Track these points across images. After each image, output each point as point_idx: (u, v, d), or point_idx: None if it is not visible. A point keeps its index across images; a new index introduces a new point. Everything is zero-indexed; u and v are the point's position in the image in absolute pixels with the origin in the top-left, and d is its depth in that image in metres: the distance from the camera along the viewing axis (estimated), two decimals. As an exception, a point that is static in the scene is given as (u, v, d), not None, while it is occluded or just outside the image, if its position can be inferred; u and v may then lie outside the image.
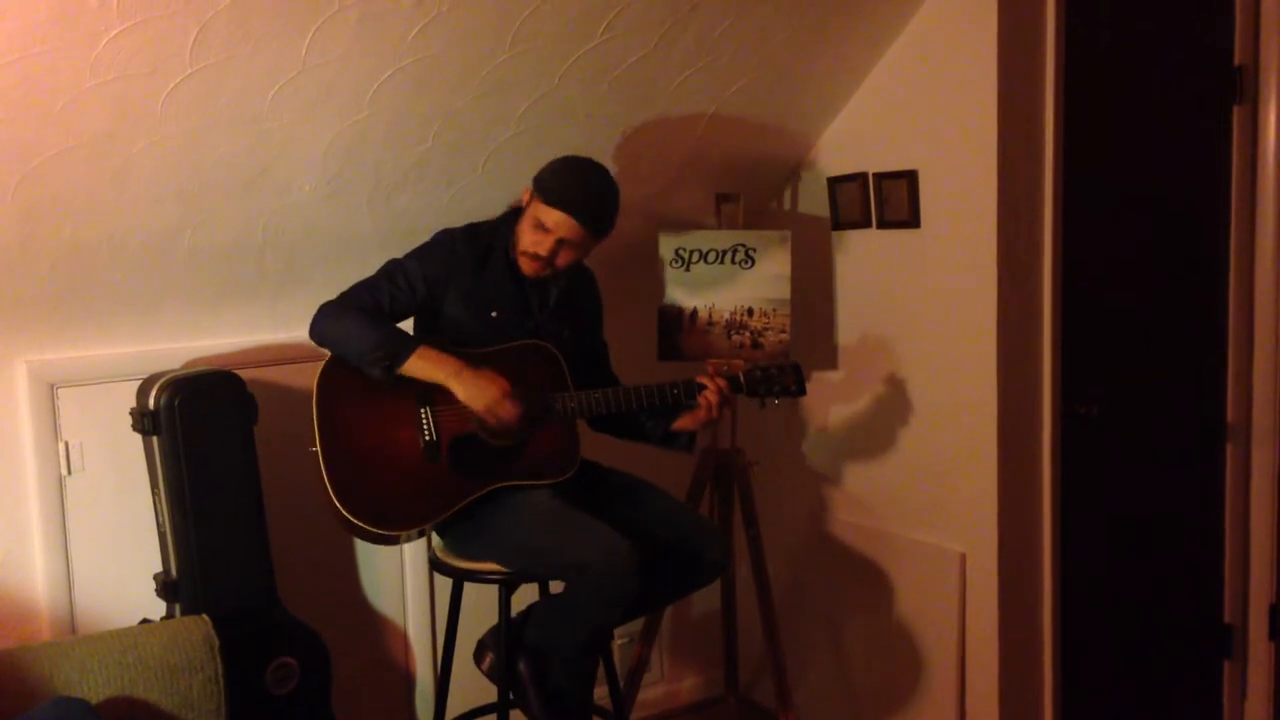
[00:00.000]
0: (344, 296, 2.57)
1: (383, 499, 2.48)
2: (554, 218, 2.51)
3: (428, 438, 2.51)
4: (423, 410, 2.52)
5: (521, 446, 2.57)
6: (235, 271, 2.75)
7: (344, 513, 2.43)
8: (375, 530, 2.48)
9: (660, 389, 2.63)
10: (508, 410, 2.48)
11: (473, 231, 2.64)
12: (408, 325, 2.68)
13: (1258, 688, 3.28)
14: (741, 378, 2.70)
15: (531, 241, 2.55)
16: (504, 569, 2.55)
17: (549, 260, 2.55)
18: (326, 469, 2.44)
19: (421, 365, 2.48)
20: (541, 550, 2.48)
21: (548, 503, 2.50)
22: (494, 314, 2.61)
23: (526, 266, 2.58)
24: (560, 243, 2.53)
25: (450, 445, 2.52)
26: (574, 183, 2.53)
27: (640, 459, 2.84)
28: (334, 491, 2.43)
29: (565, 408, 2.57)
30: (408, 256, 2.62)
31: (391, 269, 2.60)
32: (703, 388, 2.62)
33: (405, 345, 2.49)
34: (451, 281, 2.59)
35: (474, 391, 2.47)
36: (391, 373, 2.47)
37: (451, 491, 2.51)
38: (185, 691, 2.36)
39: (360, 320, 2.50)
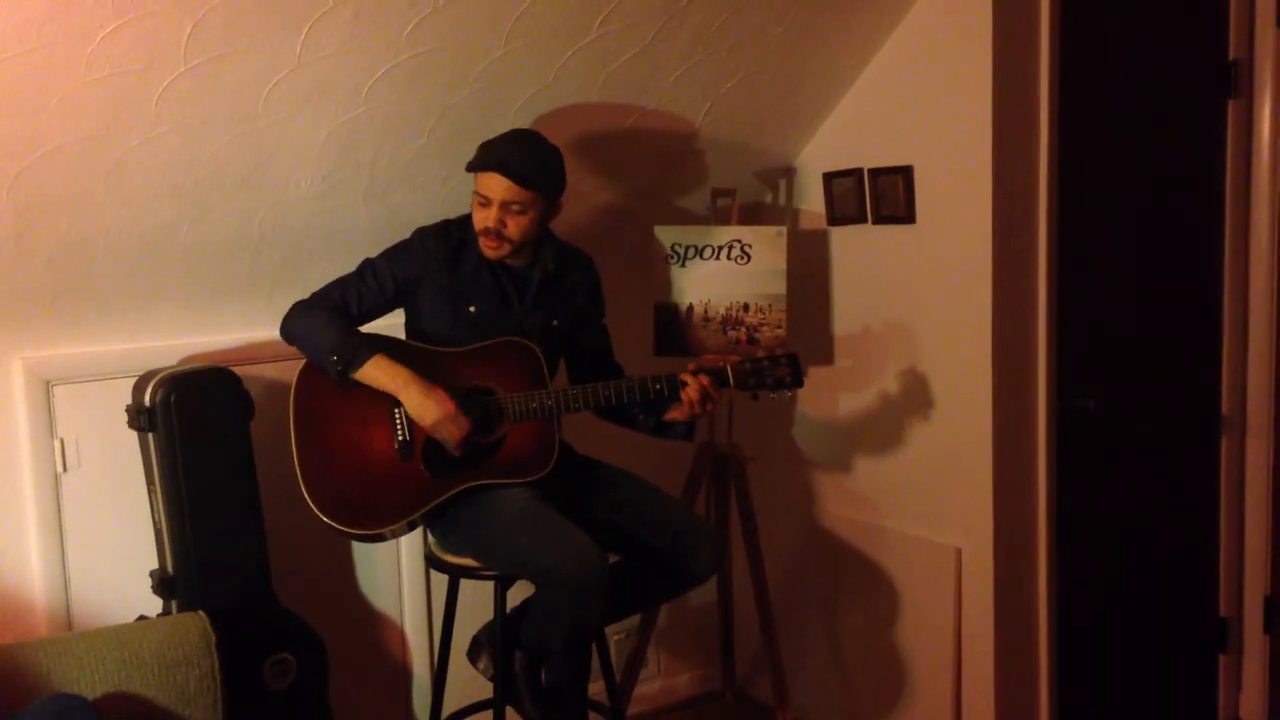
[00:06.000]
0: (315, 296, 2.59)
1: (355, 498, 2.48)
2: (485, 182, 2.49)
3: (401, 437, 2.51)
4: (396, 410, 2.51)
5: (497, 444, 2.55)
6: (231, 268, 2.75)
7: (316, 511, 2.44)
8: (346, 530, 2.49)
9: (642, 384, 2.58)
10: (453, 431, 2.48)
11: (445, 228, 2.63)
12: (398, 317, 2.68)
13: (1253, 680, 3.29)
14: (730, 372, 2.64)
15: (479, 219, 2.53)
16: (481, 566, 2.55)
17: (498, 232, 2.52)
18: (301, 468, 2.46)
19: (374, 374, 2.48)
20: (511, 550, 2.47)
21: (521, 502, 2.47)
22: (472, 309, 2.60)
23: (485, 248, 2.56)
24: (503, 208, 2.50)
25: (425, 444, 2.52)
26: (497, 143, 2.51)
27: (639, 449, 2.83)
28: (307, 490, 2.45)
29: (543, 406, 2.54)
30: (381, 255, 2.62)
31: (364, 268, 2.61)
32: (685, 384, 2.58)
33: (359, 352, 2.48)
34: (425, 279, 2.59)
35: (419, 409, 2.47)
36: (345, 377, 2.48)
37: (424, 491, 2.51)
38: (182, 687, 2.36)
39: (323, 321, 2.51)
